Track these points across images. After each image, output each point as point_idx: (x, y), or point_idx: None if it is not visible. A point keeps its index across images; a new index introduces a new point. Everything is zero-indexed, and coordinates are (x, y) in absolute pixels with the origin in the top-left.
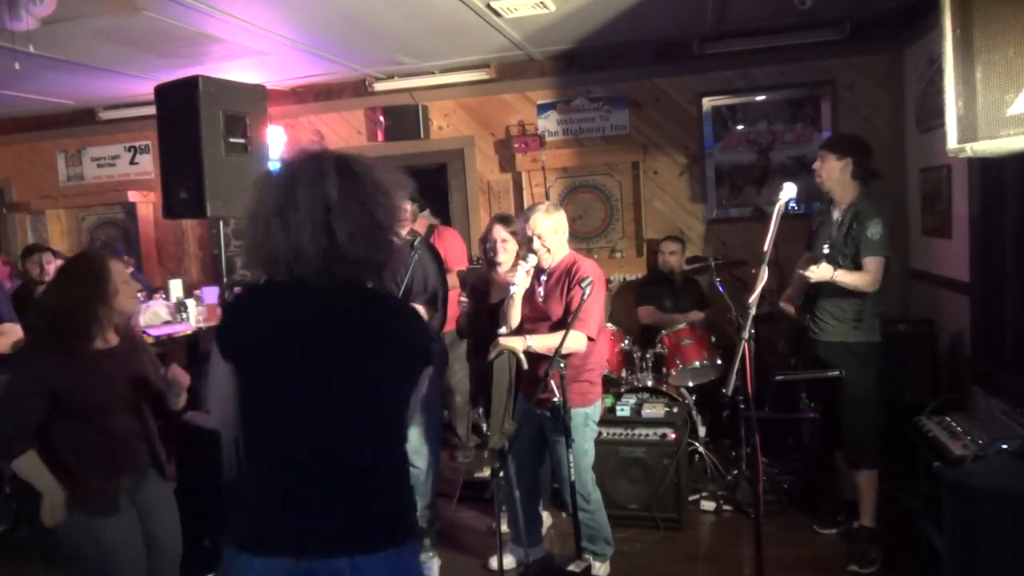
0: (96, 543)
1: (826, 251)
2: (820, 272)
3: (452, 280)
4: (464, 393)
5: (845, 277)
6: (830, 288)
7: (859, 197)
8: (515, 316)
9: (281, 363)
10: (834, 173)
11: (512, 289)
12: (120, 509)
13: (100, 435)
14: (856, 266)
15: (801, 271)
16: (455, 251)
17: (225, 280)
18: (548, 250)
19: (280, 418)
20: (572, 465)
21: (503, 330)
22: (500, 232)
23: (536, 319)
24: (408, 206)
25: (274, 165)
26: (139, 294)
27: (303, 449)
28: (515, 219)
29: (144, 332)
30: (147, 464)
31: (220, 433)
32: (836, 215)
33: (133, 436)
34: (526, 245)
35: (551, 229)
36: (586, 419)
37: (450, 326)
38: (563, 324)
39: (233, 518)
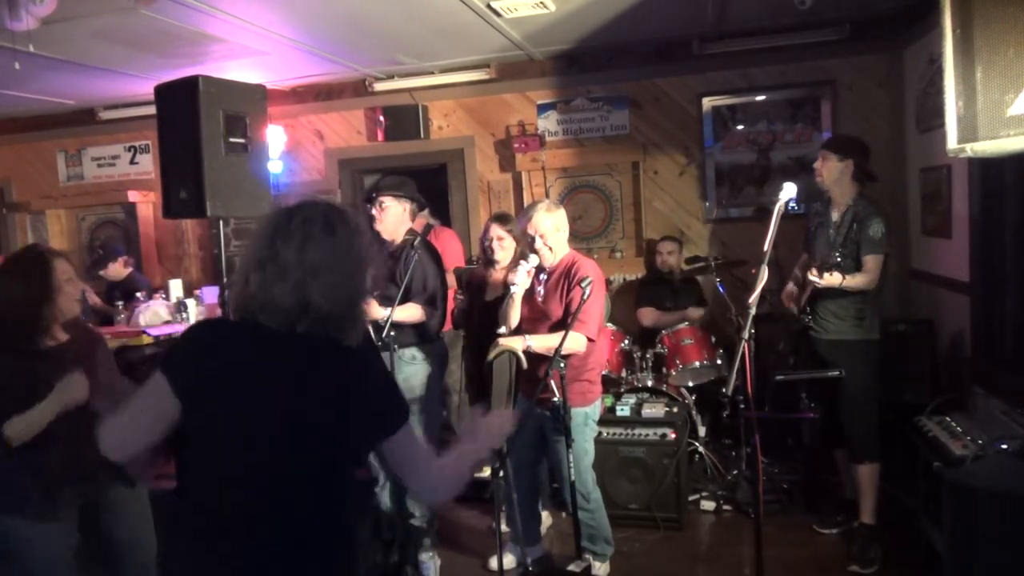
0: (32, 547)
1: (839, 259)
2: (831, 280)
3: (451, 280)
4: (463, 393)
5: (851, 281)
6: (830, 288)
7: (857, 198)
8: (515, 316)
9: (231, 410)
10: (834, 174)
11: (512, 289)
12: (61, 517)
13: (44, 439)
14: (858, 266)
15: (813, 279)
16: (452, 251)
17: (225, 280)
18: (550, 249)
19: (221, 466)
20: (572, 465)
21: (503, 330)
22: (496, 231)
23: (535, 319)
24: (408, 206)
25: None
26: (88, 294)
27: (241, 500)
28: (512, 218)
29: (144, 332)
30: (103, 470)
31: (104, 449)
32: (835, 216)
33: (83, 440)
34: (528, 244)
35: (553, 228)
36: (586, 418)
37: (449, 325)
38: (563, 324)
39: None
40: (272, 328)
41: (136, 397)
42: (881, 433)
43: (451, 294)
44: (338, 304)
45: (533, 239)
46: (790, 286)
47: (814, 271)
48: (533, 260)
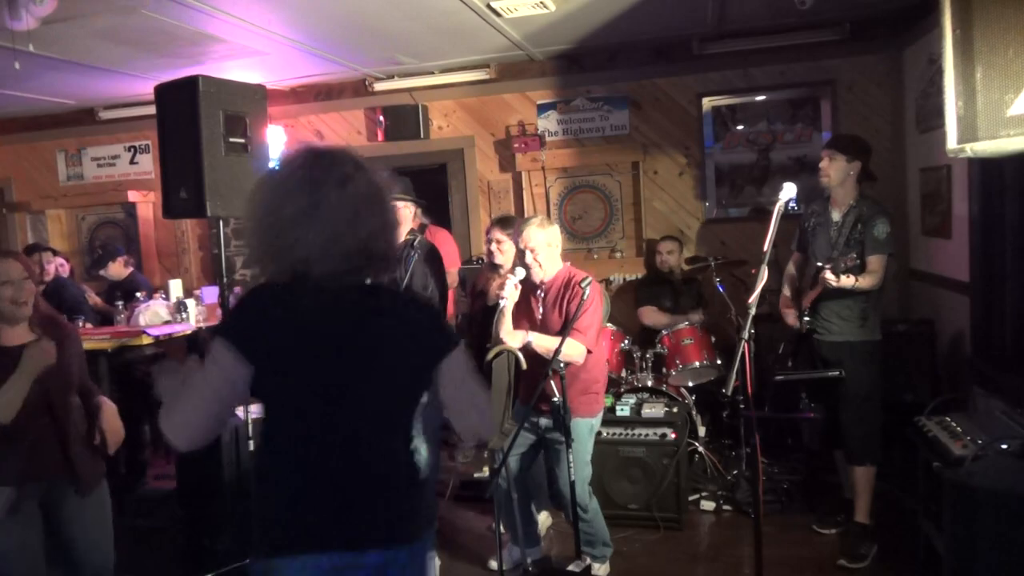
0: None
1: (856, 260)
2: (846, 282)
3: (451, 279)
4: None
5: (862, 282)
6: (835, 289)
7: (859, 198)
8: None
9: (311, 362)
10: (841, 174)
11: (501, 303)
12: (15, 517)
13: (12, 433)
14: (863, 266)
15: (829, 279)
16: (448, 252)
17: (225, 280)
18: (540, 265)
19: (313, 416)
20: (572, 464)
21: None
22: (496, 234)
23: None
24: (414, 208)
25: (277, 163)
26: (88, 294)
27: (338, 445)
28: (515, 218)
29: (144, 332)
30: (60, 471)
31: (169, 436)
32: (835, 216)
33: (42, 441)
34: (519, 258)
35: (544, 243)
36: (591, 429)
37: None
38: (562, 333)
39: (260, 525)
40: (328, 280)
41: (194, 376)
42: (882, 433)
43: (451, 295)
44: (388, 241)
45: (524, 253)
46: (786, 292)
47: (828, 272)
48: (520, 273)
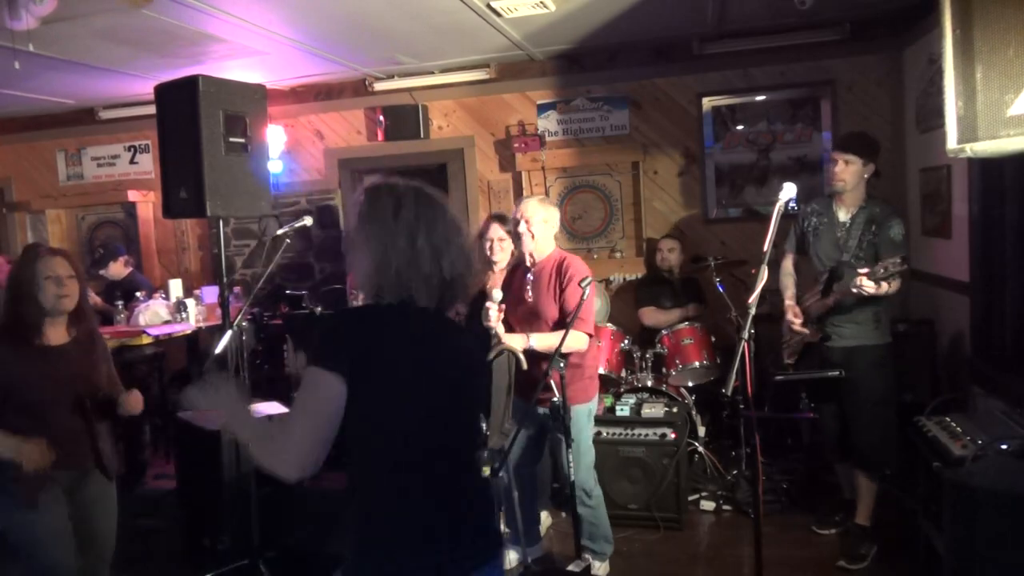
0: (23, 532)
1: (902, 265)
2: (883, 288)
3: None
4: None
5: (892, 287)
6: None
7: (867, 198)
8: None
9: (412, 383)
10: (857, 178)
11: (491, 331)
12: (48, 502)
13: (39, 430)
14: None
15: (868, 288)
16: None
17: (225, 280)
18: (532, 235)
19: (419, 435)
20: (571, 463)
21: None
22: (496, 231)
23: (528, 319)
24: None
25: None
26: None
27: (442, 467)
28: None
29: (144, 332)
30: (88, 462)
31: (282, 470)
32: (842, 216)
33: (74, 433)
34: (513, 227)
35: (541, 219)
36: (589, 414)
37: None
38: (559, 324)
39: (369, 548)
40: (420, 306)
41: (301, 405)
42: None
43: None
44: (467, 269)
45: (518, 223)
46: (790, 300)
47: (865, 280)
48: (497, 295)
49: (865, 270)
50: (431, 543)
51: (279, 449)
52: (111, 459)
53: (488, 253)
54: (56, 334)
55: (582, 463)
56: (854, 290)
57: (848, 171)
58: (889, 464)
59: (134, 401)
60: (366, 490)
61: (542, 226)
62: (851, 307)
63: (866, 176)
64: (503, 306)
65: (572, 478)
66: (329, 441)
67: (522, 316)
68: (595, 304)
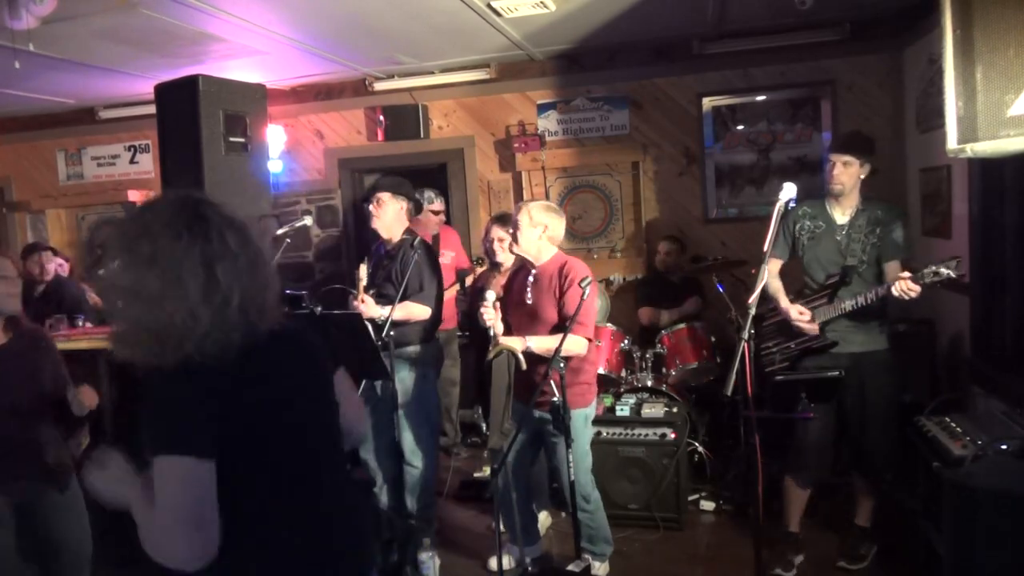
0: None
1: (955, 267)
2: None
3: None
4: (453, 392)
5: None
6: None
7: (863, 199)
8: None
9: (280, 424)
10: (855, 179)
11: (490, 332)
12: None
13: None
14: (879, 270)
15: (912, 290)
16: (458, 250)
17: None
18: (517, 241)
19: (285, 471)
20: (572, 465)
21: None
22: (497, 232)
23: (527, 322)
24: (405, 204)
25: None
26: (88, 294)
27: (313, 493)
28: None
29: None
30: (33, 472)
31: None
32: (839, 219)
33: (10, 443)
34: (512, 232)
35: (528, 223)
36: (586, 419)
37: (453, 323)
38: (558, 327)
39: None
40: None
41: (176, 501)
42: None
43: (455, 294)
44: (259, 290)
45: (514, 224)
46: (785, 304)
47: (909, 282)
48: (491, 296)
49: (907, 274)
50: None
51: (168, 546)
52: (64, 465)
53: (491, 255)
54: None
55: (580, 468)
56: (896, 294)
57: (847, 173)
58: (894, 469)
59: (86, 397)
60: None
61: (529, 231)
62: (863, 312)
63: (863, 176)
64: (498, 304)
65: (572, 478)
66: (214, 518)
67: (521, 318)
68: (595, 305)
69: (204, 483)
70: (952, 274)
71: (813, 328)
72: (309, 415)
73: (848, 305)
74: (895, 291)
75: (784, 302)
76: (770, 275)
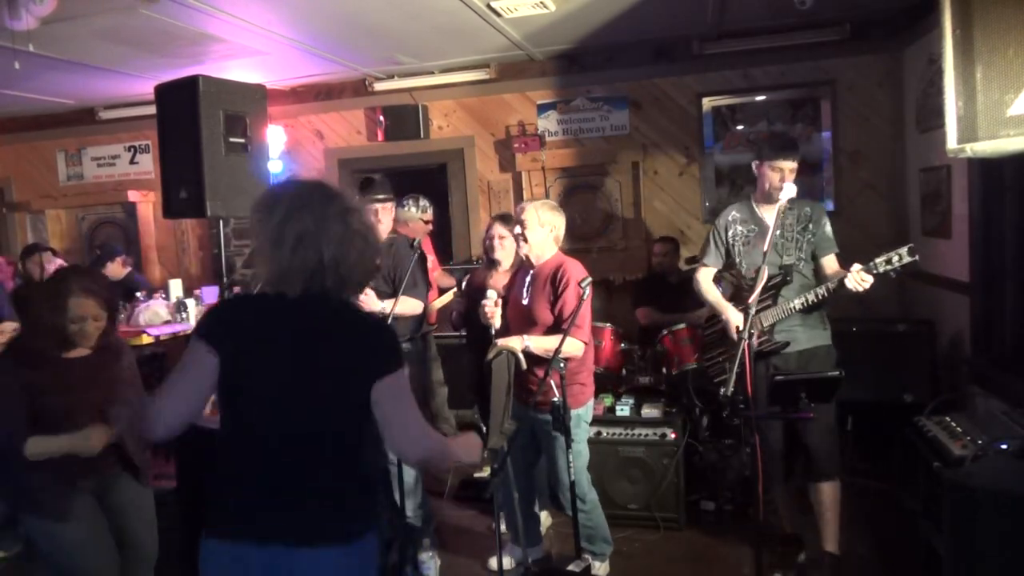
0: (55, 543)
1: (894, 262)
2: (760, 279)
3: (450, 281)
4: (443, 392)
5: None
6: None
7: (793, 196)
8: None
9: (263, 359)
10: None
11: (492, 329)
12: (77, 511)
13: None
14: (815, 266)
15: (866, 283)
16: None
17: (225, 280)
18: (527, 240)
19: (257, 410)
20: (572, 464)
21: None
22: (498, 230)
23: (522, 323)
24: (393, 207)
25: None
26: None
27: (272, 440)
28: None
29: (144, 331)
30: (115, 467)
31: (159, 427)
32: (768, 219)
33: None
34: (513, 232)
35: (536, 223)
36: (579, 420)
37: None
38: (553, 329)
39: (207, 507)
40: (291, 294)
41: (176, 371)
42: (881, 434)
43: (452, 297)
44: (358, 252)
45: (518, 224)
46: (729, 315)
47: (860, 274)
48: (492, 295)
49: (859, 265)
50: (238, 514)
51: (153, 410)
52: (142, 463)
53: (490, 252)
54: (77, 350)
55: (575, 467)
56: (851, 286)
57: (791, 176)
58: (839, 470)
59: (94, 438)
60: (218, 452)
61: (538, 229)
62: (807, 309)
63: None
64: (499, 302)
65: (573, 478)
66: (194, 406)
67: (518, 318)
68: (590, 309)
69: (206, 370)
70: (907, 258)
71: (765, 338)
72: (287, 388)
73: (797, 304)
74: (849, 284)
75: (728, 312)
76: (708, 286)
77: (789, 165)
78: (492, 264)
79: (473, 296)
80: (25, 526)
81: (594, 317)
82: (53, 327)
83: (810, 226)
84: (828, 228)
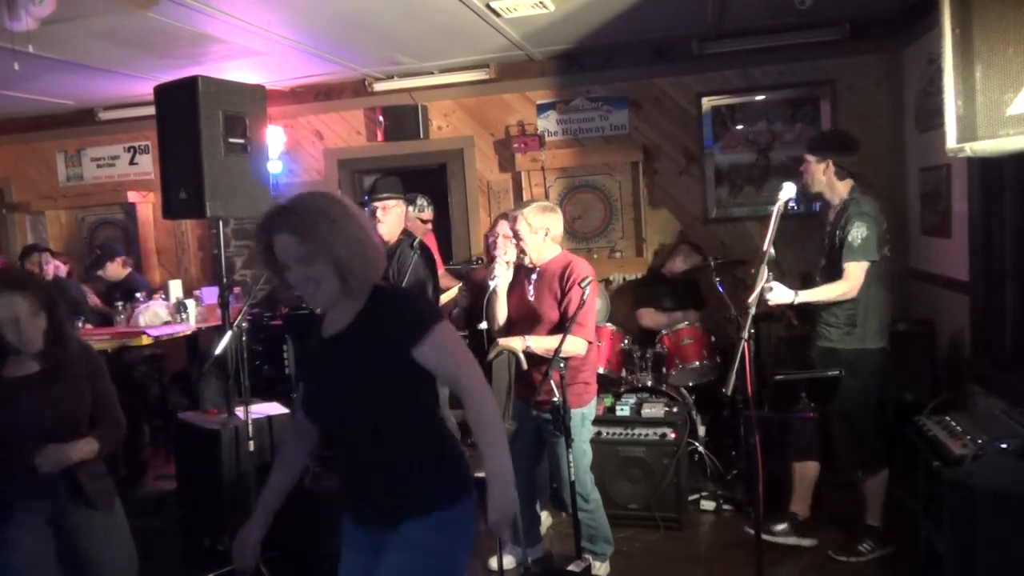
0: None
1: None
2: (777, 296)
3: (450, 281)
4: (443, 392)
5: (813, 295)
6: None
7: (848, 196)
8: (501, 312)
9: (316, 359)
10: (817, 176)
11: (491, 283)
12: (17, 538)
13: (9, 463)
14: (839, 273)
15: (767, 296)
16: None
17: (225, 280)
18: (524, 250)
19: (324, 410)
20: (572, 463)
21: (483, 325)
22: (504, 228)
23: (528, 320)
24: (404, 206)
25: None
26: (88, 295)
27: (338, 431)
28: None
29: (144, 332)
30: (63, 491)
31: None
32: (831, 217)
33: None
34: (513, 235)
35: (529, 231)
36: (583, 419)
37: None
38: (559, 327)
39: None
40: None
41: (464, 353)
42: (882, 440)
43: (455, 295)
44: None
45: (514, 232)
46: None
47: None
48: (511, 253)
49: (772, 283)
50: (346, 497)
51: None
52: (99, 486)
53: (493, 249)
54: (19, 366)
55: (578, 467)
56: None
57: (807, 172)
58: (860, 467)
59: (77, 450)
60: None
61: (532, 237)
62: (824, 308)
63: (827, 173)
64: (510, 264)
65: (572, 478)
66: None
67: (523, 316)
68: (596, 306)
69: None
70: (765, 286)
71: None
72: (321, 373)
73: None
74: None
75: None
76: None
77: (805, 156)
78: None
79: (474, 293)
80: None
81: (599, 316)
82: None
83: (838, 232)
84: (852, 235)
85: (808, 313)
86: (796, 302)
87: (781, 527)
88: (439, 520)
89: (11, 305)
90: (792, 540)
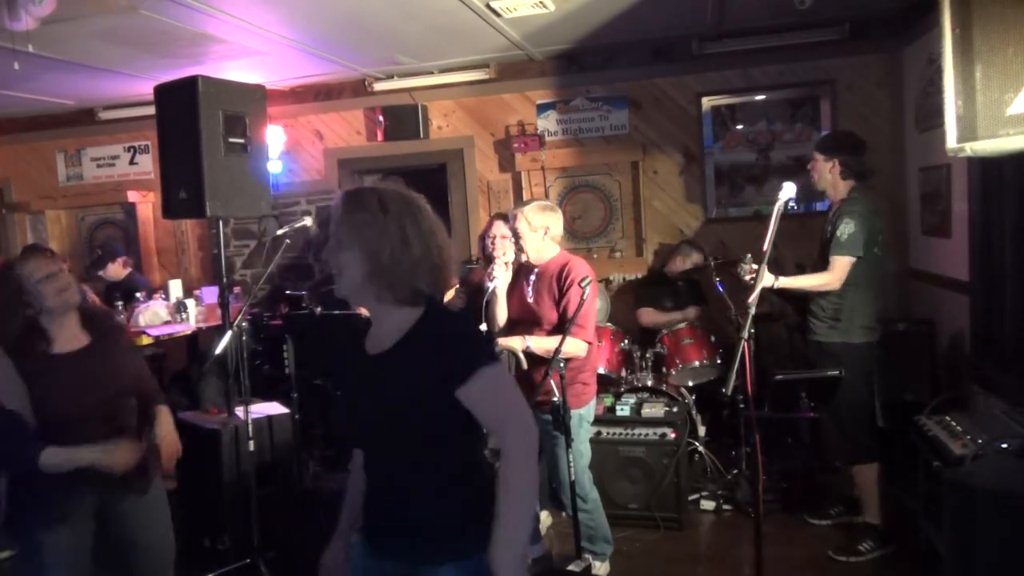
0: (35, 552)
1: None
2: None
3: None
4: None
5: (794, 282)
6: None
7: (847, 196)
8: (501, 313)
9: (357, 376)
10: (824, 174)
11: (490, 284)
12: (74, 520)
13: (62, 443)
14: (823, 266)
15: (747, 277)
16: None
17: (225, 280)
18: (524, 250)
19: (361, 432)
20: (572, 462)
21: (483, 327)
22: (500, 228)
23: (527, 321)
24: None
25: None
26: (88, 295)
27: (367, 457)
28: None
29: (144, 332)
30: (108, 476)
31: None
32: (830, 214)
33: (94, 441)
34: (512, 236)
35: (528, 230)
36: (581, 420)
37: None
38: (558, 328)
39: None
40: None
41: (516, 394)
42: (880, 434)
43: (452, 296)
44: (449, 258)
45: (514, 231)
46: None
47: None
48: (509, 254)
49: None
50: (366, 522)
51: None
52: (150, 468)
53: (490, 250)
54: (67, 340)
55: (577, 467)
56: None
57: (815, 169)
58: (850, 460)
59: (121, 456)
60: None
61: (531, 236)
62: (812, 301)
63: (833, 172)
64: (509, 265)
65: (572, 478)
66: None
67: (523, 316)
68: (596, 306)
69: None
70: (748, 270)
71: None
72: (360, 392)
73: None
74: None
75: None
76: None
77: (813, 154)
78: (491, 262)
79: (472, 294)
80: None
81: (599, 316)
82: (24, 304)
83: (829, 227)
84: (840, 230)
85: (806, 308)
86: (776, 286)
87: (865, 545)
88: (465, 569)
89: (39, 266)
90: (878, 554)
